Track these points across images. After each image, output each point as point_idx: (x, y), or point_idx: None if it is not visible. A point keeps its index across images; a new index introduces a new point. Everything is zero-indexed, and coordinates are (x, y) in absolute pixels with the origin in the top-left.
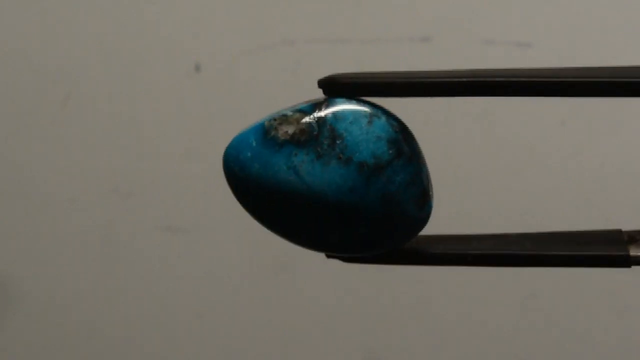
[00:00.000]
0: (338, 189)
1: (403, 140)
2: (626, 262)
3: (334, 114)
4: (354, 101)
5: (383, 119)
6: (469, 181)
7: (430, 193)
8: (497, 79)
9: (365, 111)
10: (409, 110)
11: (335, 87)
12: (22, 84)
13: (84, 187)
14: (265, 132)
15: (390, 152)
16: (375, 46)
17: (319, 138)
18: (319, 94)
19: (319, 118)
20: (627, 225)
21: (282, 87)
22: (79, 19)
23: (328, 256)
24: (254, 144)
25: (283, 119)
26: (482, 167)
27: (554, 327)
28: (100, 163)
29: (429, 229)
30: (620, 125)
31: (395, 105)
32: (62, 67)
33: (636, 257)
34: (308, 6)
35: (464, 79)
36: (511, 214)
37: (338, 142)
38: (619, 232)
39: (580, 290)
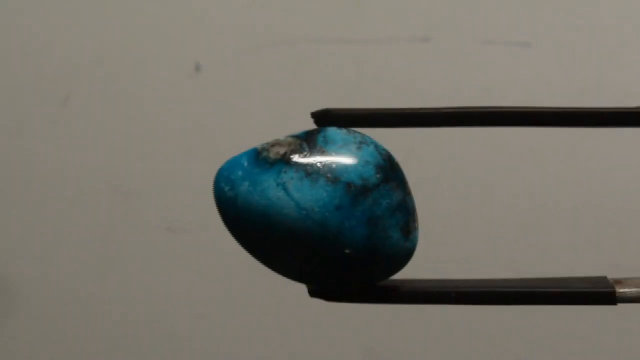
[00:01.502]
0: (325, 207)
1: (390, 168)
2: (612, 299)
3: (325, 138)
4: (345, 130)
5: (372, 147)
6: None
7: (416, 225)
8: (483, 110)
9: (354, 138)
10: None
11: (327, 118)
12: (22, 84)
13: (84, 187)
14: (257, 154)
15: (378, 176)
16: (375, 46)
17: (308, 157)
18: (317, 97)
19: (310, 141)
20: (625, 222)
21: (282, 87)
22: (79, 19)
23: (311, 295)
24: (246, 164)
25: (275, 142)
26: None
27: (554, 327)
28: (101, 162)
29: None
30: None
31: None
32: (62, 67)
33: (622, 293)
34: (308, 6)
35: (448, 110)
36: (506, 222)
37: (327, 162)
38: (604, 279)
39: None
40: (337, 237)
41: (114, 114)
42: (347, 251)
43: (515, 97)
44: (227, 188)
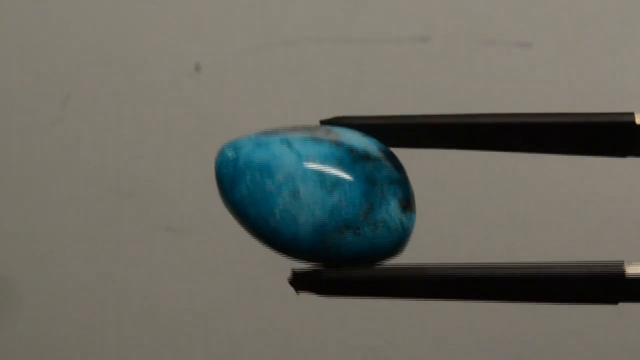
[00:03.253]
0: (325, 158)
1: (391, 156)
2: (621, 277)
3: (333, 127)
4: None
5: (374, 139)
6: (458, 191)
7: (414, 207)
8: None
9: (360, 132)
10: None
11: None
12: (22, 84)
13: (84, 187)
14: (264, 131)
15: (379, 154)
16: (375, 46)
17: (314, 130)
18: (317, 97)
19: (318, 126)
20: (625, 222)
21: (282, 87)
22: (79, 19)
23: (296, 288)
24: (253, 136)
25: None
26: (478, 176)
27: (554, 327)
28: (100, 163)
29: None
30: None
31: None
32: (62, 67)
33: (633, 274)
34: (308, 6)
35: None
36: (507, 216)
37: (332, 134)
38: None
39: None
40: (334, 187)
41: (113, 114)
42: (342, 202)
43: (515, 98)
44: (230, 152)
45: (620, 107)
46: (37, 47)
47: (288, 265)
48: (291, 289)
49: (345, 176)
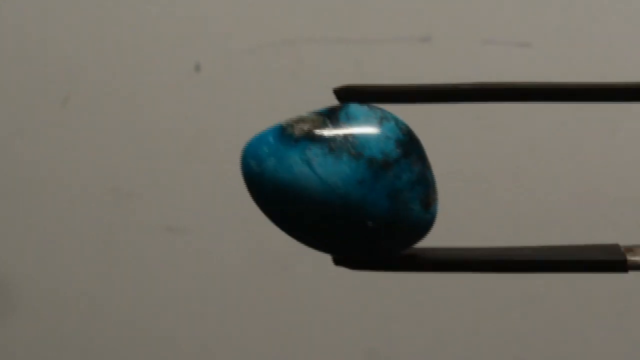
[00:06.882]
0: (348, 181)
1: (409, 142)
2: (623, 267)
3: (347, 114)
4: (366, 106)
5: (392, 122)
6: (470, 184)
7: (436, 196)
8: (501, 86)
9: (375, 114)
10: (416, 116)
11: (349, 94)
12: (22, 84)
13: (84, 187)
14: (282, 130)
15: (398, 150)
16: (375, 46)
17: (332, 134)
18: (317, 97)
19: (333, 117)
20: (624, 224)
21: (282, 87)
22: (79, 19)
23: (336, 263)
24: (272, 140)
25: (300, 118)
26: (483, 169)
27: (553, 327)
28: (100, 163)
29: (434, 236)
30: (620, 125)
31: (403, 112)
32: (62, 67)
33: (633, 261)
34: (308, 6)
35: (466, 86)
36: (510, 215)
37: (350, 138)
38: (616, 246)
39: (579, 291)
40: (359, 210)
41: (113, 114)
42: (369, 223)
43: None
44: (253, 163)
45: (620, 107)
46: (37, 47)
47: (288, 264)
48: (291, 289)
49: (369, 197)
